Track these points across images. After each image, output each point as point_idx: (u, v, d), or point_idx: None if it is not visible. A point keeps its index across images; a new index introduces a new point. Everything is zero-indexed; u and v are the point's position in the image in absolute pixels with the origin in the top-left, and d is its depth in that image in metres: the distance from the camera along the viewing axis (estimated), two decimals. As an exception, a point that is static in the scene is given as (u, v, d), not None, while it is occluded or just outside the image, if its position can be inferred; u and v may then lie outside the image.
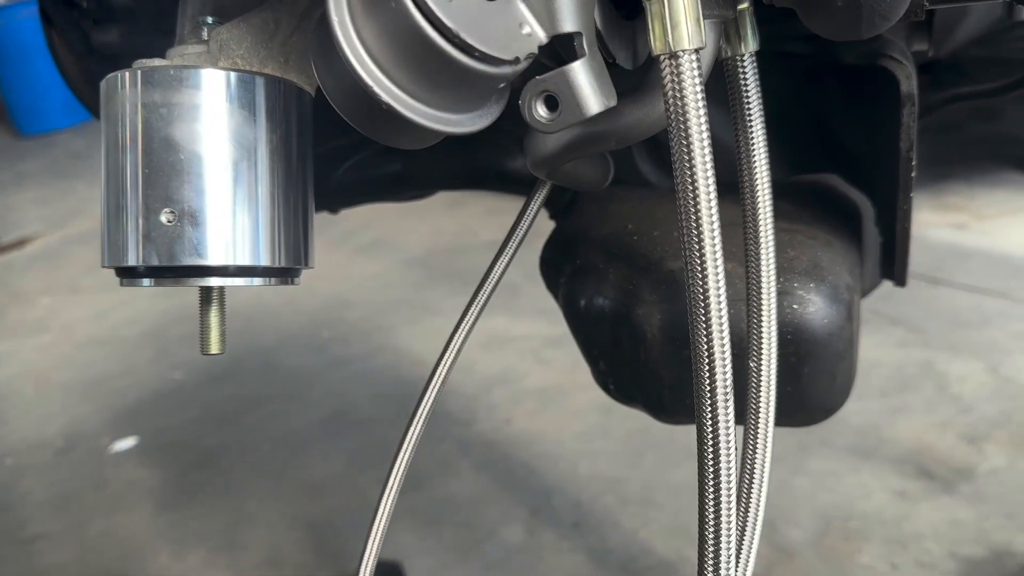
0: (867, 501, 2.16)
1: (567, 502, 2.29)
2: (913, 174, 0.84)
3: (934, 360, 2.69)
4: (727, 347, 0.57)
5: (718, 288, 0.56)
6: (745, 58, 0.67)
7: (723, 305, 0.56)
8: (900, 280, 1.01)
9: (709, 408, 0.57)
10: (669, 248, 0.92)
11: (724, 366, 0.57)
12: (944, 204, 3.67)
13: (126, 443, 2.79)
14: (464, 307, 0.86)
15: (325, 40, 0.54)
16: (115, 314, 3.66)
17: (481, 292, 0.84)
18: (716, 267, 0.56)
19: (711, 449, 0.58)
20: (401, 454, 0.84)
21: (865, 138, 0.94)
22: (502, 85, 0.59)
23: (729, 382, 0.58)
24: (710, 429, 0.58)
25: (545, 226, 1.22)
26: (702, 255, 0.55)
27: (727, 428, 0.58)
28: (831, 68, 0.90)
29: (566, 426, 2.60)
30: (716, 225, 0.56)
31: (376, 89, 0.53)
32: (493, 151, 1.16)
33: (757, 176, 0.72)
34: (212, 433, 2.77)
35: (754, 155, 0.71)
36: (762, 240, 0.74)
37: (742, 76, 0.68)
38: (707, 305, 0.56)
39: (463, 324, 0.85)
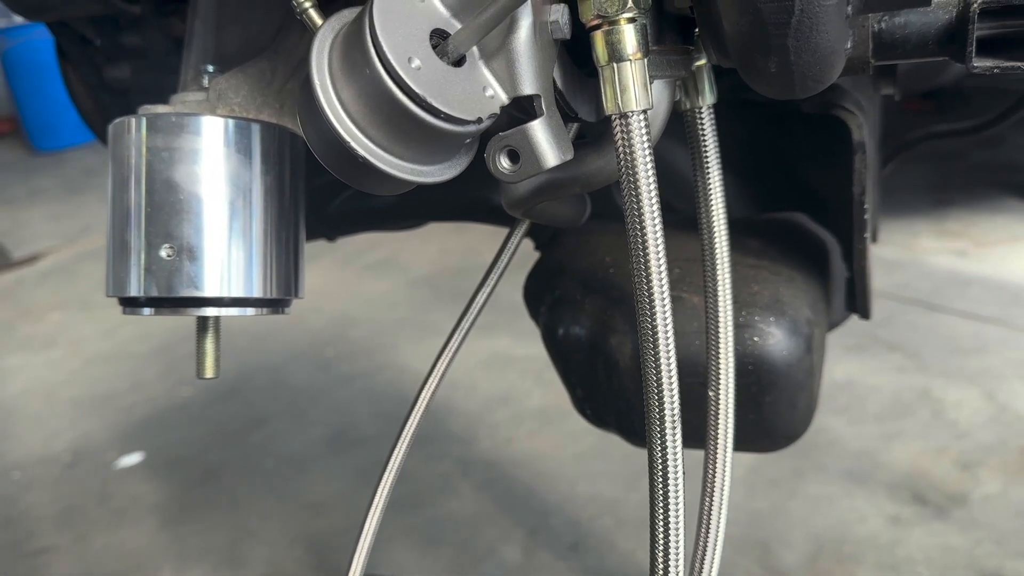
0: (861, 526, 2.18)
1: (565, 523, 2.32)
2: (866, 216, 0.89)
3: (931, 386, 2.71)
4: (674, 376, 0.61)
5: (665, 324, 0.60)
6: (703, 110, 0.72)
7: (671, 342, 0.61)
8: (863, 313, 1.05)
9: (658, 435, 0.62)
10: None
11: (672, 393, 0.61)
12: (945, 230, 3.70)
13: (132, 458, 2.84)
14: (448, 333, 0.90)
15: (308, 99, 0.60)
16: (125, 331, 3.72)
17: (465, 319, 0.89)
18: (663, 303, 0.60)
19: (660, 471, 0.62)
20: (386, 475, 0.88)
21: (826, 180, 0.98)
22: (468, 140, 0.64)
23: (676, 408, 0.62)
24: (659, 452, 0.62)
25: (535, 253, 1.26)
26: (650, 292, 0.60)
27: (675, 451, 0.62)
28: (793, 115, 0.95)
29: (566, 447, 2.63)
30: (663, 265, 0.60)
31: (353, 144, 0.59)
32: (481, 186, 1.21)
33: (714, 217, 0.77)
34: (217, 450, 2.82)
35: (711, 198, 0.76)
36: (719, 276, 0.78)
37: (700, 126, 0.73)
38: (655, 342, 0.60)
39: (448, 347, 0.89)
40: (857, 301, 1.02)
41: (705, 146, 0.74)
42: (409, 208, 1.27)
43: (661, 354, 0.60)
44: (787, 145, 1.02)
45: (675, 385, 0.61)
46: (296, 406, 3.03)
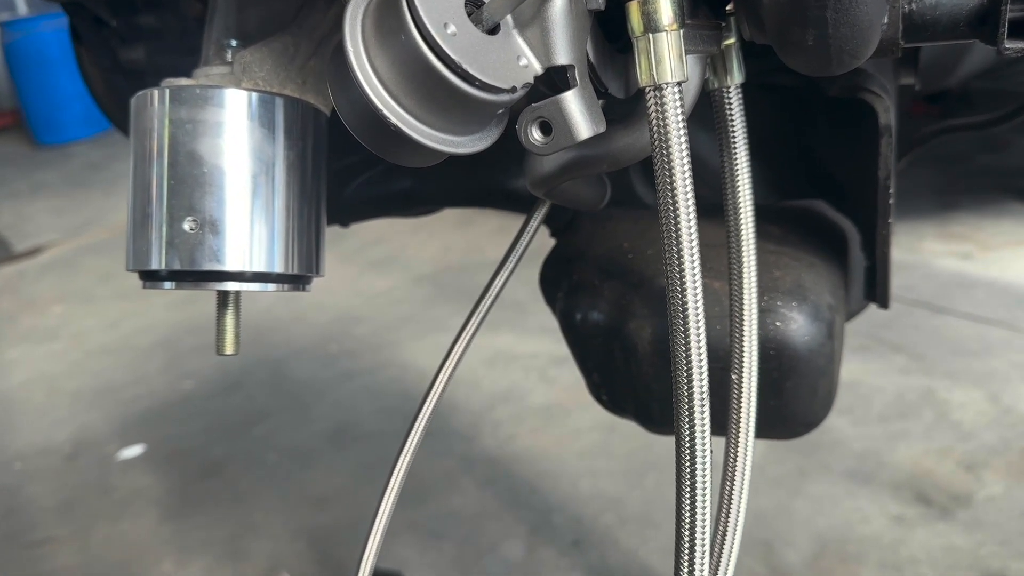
0: (864, 525, 2.18)
1: (568, 519, 2.31)
2: (891, 201, 0.88)
3: (935, 387, 2.71)
4: (704, 358, 0.61)
5: (696, 303, 0.60)
6: (731, 90, 0.72)
7: (700, 319, 0.60)
8: (883, 303, 1.04)
9: (687, 416, 0.61)
10: (661, 266, 0.95)
11: (701, 376, 0.61)
12: (950, 233, 3.70)
13: (134, 451, 2.83)
14: (464, 320, 0.89)
15: (340, 67, 0.59)
16: (127, 323, 3.71)
17: (481, 305, 0.88)
18: (695, 283, 0.60)
19: (688, 455, 0.62)
20: (398, 467, 0.87)
21: (848, 166, 0.98)
22: (501, 111, 0.64)
23: (706, 392, 0.61)
24: (687, 436, 0.62)
25: (547, 245, 1.26)
26: (681, 271, 0.59)
27: (703, 435, 0.61)
28: (817, 100, 0.94)
29: (569, 444, 2.63)
30: (695, 243, 0.60)
31: (386, 112, 0.58)
32: (498, 171, 1.20)
33: (740, 199, 0.76)
34: (219, 443, 2.81)
35: (738, 180, 0.75)
36: (744, 259, 0.78)
37: (728, 106, 0.73)
38: (686, 319, 0.60)
39: (462, 337, 0.89)
40: (877, 290, 1.01)
41: (733, 127, 0.73)
42: (425, 193, 1.27)
43: (691, 326, 0.59)
44: (809, 131, 1.02)
45: (704, 365, 0.61)
46: (299, 401, 3.02)
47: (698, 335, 0.60)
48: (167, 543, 2.37)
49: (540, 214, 0.89)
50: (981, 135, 1.30)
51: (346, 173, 1.24)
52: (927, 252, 3.56)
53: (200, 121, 0.68)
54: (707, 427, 0.62)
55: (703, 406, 0.61)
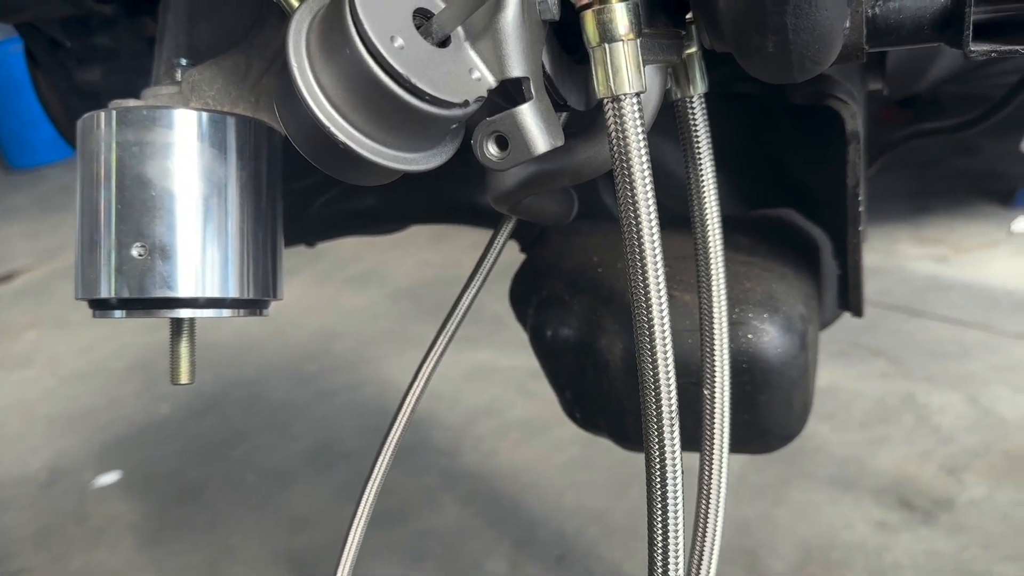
0: (848, 532, 2.17)
1: (552, 534, 2.29)
2: (861, 209, 0.87)
3: (915, 391, 2.71)
4: (672, 374, 0.59)
5: (662, 319, 0.58)
6: (694, 99, 0.70)
7: (667, 335, 0.59)
8: (856, 311, 1.03)
9: (656, 434, 0.60)
10: None
11: (670, 393, 0.59)
12: (924, 237, 3.72)
13: (110, 477, 2.79)
14: (433, 336, 0.88)
15: (286, 84, 0.57)
16: (102, 348, 3.66)
17: (449, 324, 0.86)
18: (660, 298, 0.58)
19: (659, 475, 0.60)
20: (369, 487, 0.85)
21: (817, 174, 0.97)
22: (455, 125, 0.62)
23: (675, 409, 0.60)
24: (657, 455, 0.60)
25: (520, 258, 1.24)
26: (646, 286, 0.57)
27: (673, 454, 0.60)
28: (783, 108, 0.93)
29: (551, 457, 2.61)
30: (659, 257, 0.58)
31: (334, 130, 0.56)
32: (464, 186, 1.19)
33: (707, 211, 0.75)
34: (197, 466, 2.77)
35: (704, 191, 0.74)
36: (713, 272, 0.76)
37: (691, 116, 0.71)
38: (652, 335, 0.58)
39: (431, 355, 0.87)
40: (850, 298, 1.00)
41: (697, 137, 0.72)
42: (391, 210, 1.25)
43: (657, 343, 0.58)
44: (776, 139, 1.01)
45: (672, 381, 0.59)
46: (277, 421, 2.99)
47: (665, 351, 0.58)
48: (144, 570, 2.33)
49: (507, 230, 0.88)
50: (952, 139, 1.30)
51: (310, 192, 1.22)
52: (902, 256, 3.58)
53: (148, 143, 0.66)
54: (677, 445, 0.60)
55: (672, 424, 0.60)
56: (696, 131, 0.72)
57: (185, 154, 0.67)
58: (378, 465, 0.87)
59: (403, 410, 0.88)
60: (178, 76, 0.73)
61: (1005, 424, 2.52)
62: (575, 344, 0.94)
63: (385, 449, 0.87)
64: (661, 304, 0.58)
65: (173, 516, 2.55)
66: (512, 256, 1.24)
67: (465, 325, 0.89)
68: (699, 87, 0.70)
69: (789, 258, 0.98)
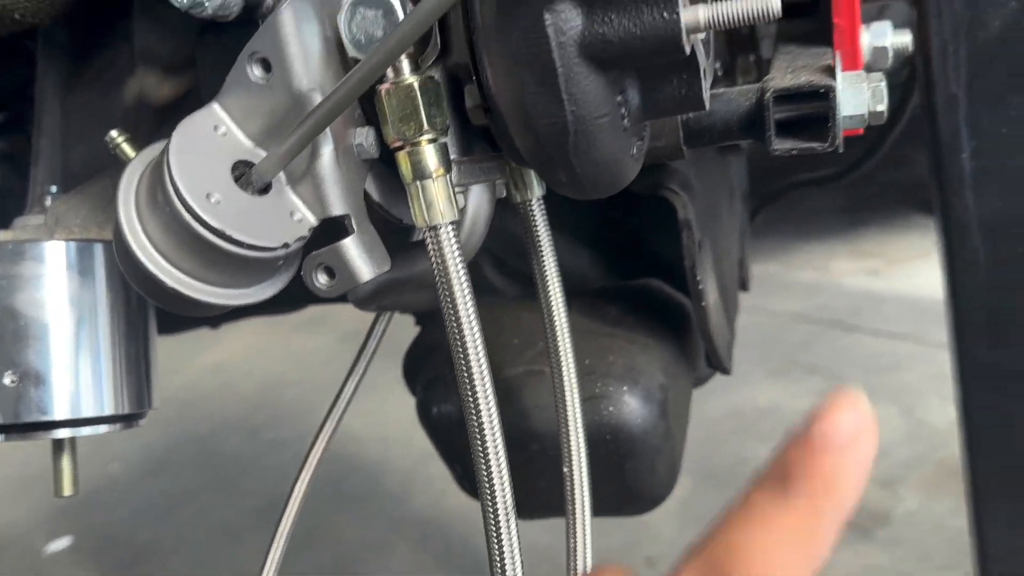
0: (788, 552, 2.22)
1: (502, 573, 2.31)
2: (701, 287, 0.93)
3: (851, 407, 2.78)
4: (501, 450, 0.64)
5: (493, 430, 0.64)
6: (533, 203, 0.76)
7: (499, 440, 0.64)
8: (721, 370, 1.09)
9: (489, 495, 0.65)
10: (508, 355, 1.00)
11: (500, 464, 0.65)
12: (860, 251, 3.81)
13: (61, 543, 2.77)
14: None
15: (117, 233, 0.62)
16: (51, 409, 3.64)
17: (337, 404, 0.91)
18: (489, 407, 0.64)
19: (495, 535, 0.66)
20: (280, 527, 0.90)
21: (671, 250, 1.03)
22: (281, 261, 0.67)
23: (506, 480, 0.67)
24: (494, 533, 0.66)
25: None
26: (475, 394, 0.63)
27: (506, 505, 0.66)
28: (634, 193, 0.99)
29: (500, 496, 2.63)
30: (483, 357, 0.64)
31: (163, 277, 0.61)
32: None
33: (552, 300, 0.80)
34: (148, 527, 2.76)
35: (548, 283, 0.79)
36: (561, 355, 0.82)
37: (531, 218, 0.77)
38: (485, 447, 0.64)
39: (323, 430, 0.92)
40: (712, 359, 1.06)
41: (538, 235, 0.77)
42: (286, 295, 1.28)
43: (490, 455, 0.63)
44: (633, 219, 1.07)
45: (503, 459, 0.64)
46: (228, 477, 2.99)
47: (499, 462, 0.64)
48: (97, 638, 2.33)
49: (386, 317, 0.92)
50: (835, 187, 1.37)
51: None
52: (837, 272, 3.67)
53: (15, 276, 0.70)
54: (510, 502, 0.67)
55: (504, 488, 0.66)
56: (537, 231, 0.77)
57: (54, 284, 0.71)
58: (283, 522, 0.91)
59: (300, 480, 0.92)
60: (48, 203, 0.77)
61: (938, 434, 2.58)
62: (458, 420, 0.98)
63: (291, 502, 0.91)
64: (491, 411, 0.63)
65: (125, 580, 2.55)
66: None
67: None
68: (536, 191, 0.75)
69: (654, 326, 1.03)
